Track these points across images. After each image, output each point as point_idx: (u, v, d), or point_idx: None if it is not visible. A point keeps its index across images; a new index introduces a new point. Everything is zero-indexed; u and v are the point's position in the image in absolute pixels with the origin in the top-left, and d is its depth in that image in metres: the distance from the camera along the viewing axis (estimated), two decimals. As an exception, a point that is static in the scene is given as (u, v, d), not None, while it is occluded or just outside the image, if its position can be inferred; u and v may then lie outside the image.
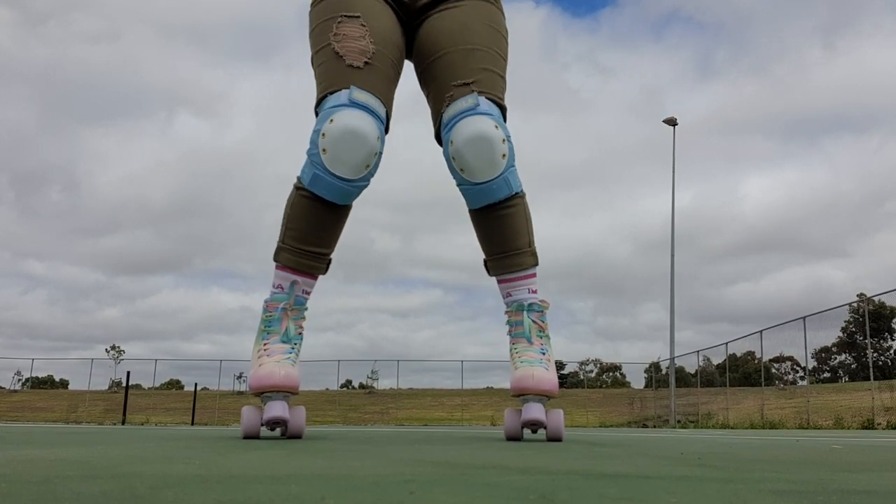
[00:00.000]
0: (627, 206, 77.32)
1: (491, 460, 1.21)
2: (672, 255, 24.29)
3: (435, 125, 2.06)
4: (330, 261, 2.07)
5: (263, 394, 1.91)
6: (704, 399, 24.23)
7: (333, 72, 1.92)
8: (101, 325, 66.40)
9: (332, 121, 1.85)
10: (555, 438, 2.01)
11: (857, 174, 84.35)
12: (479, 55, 2.00)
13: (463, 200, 2.10)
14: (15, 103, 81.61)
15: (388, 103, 1.97)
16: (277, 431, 2.01)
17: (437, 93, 2.03)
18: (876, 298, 19.48)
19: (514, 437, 2.05)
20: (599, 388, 42.33)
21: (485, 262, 2.13)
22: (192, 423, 23.84)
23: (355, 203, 2.07)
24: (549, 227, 77.64)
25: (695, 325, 65.42)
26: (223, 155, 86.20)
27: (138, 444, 1.69)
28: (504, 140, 1.93)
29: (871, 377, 15.46)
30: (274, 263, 2.02)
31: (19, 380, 40.21)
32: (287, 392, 1.91)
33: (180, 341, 68.69)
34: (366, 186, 1.96)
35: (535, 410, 1.97)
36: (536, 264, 2.09)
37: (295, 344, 1.97)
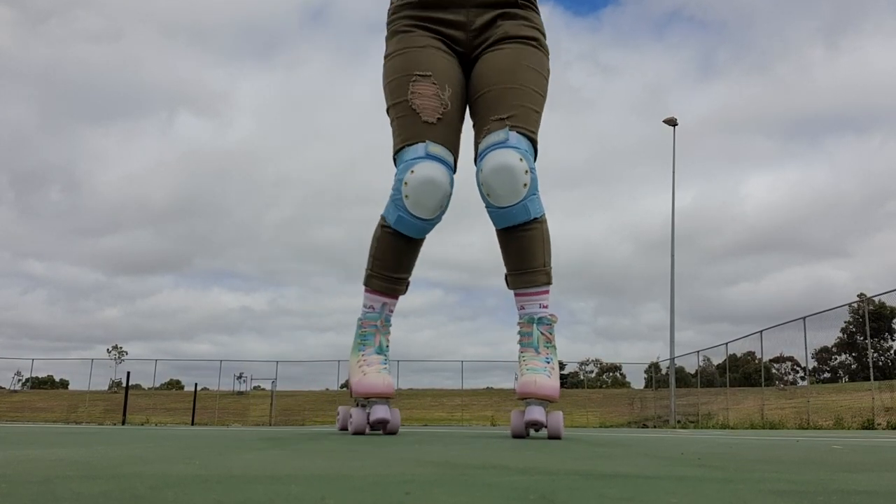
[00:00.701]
0: (629, 206, 77.25)
1: (491, 460, 1.21)
2: (672, 256, 24.28)
3: (474, 152, 2.30)
4: (409, 283, 2.39)
5: (370, 398, 2.23)
6: (704, 399, 24.21)
7: (411, 126, 2.20)
8: (101, 325, 66.42)
9: (412, 171, 2.16)
10: (554, 437, 2.22)
11: (859, 174, 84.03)
12: (518, 93, 2.23)
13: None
14: (15, 103, 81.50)
15: (455, 151, 2.26)
16: (378, 428, 2.32)
17: (479, 125, 2.28)
18: (876, 299, 19.47)
19: (519, 435, 2.25)
20: (599, 388, 42.31)
21: (505, 276, 2.36)
22: (193, 424, 23.84)
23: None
24: (550, 227, 77.60)
25: (696, 326, 65.37)
26: (224, 155, 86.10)
27: (138, 445, 1.69)
28: (527, 171, 2.16)
29: (872, 377, 15.45)
30: (364, 287, 2.34)
31: (19, 380, 40.23)
32: (387, 397, 2.23)
33: (180, 341, 68.70)
34: (438, 223, 2.28)
35: (536, 412, 2.19)
36: (549, 283, 2.32)
37: (386, 355, 2.31)
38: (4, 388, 39.67)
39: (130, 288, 73.84)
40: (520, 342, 2.32)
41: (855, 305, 20.58)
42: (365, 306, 2.34)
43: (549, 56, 2.37)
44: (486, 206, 2.25)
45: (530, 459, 1.24)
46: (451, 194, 2.23)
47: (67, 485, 0.77)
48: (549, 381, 2.21)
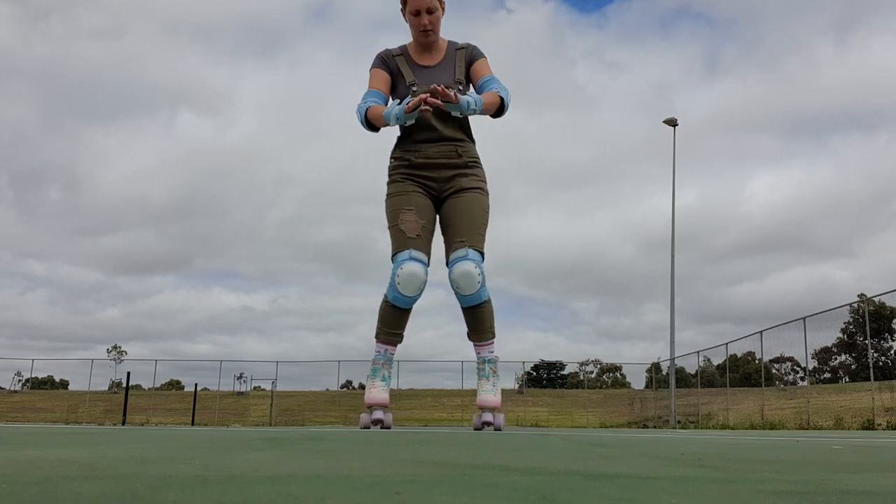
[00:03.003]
0: (632, 205, 76.70)
1: (491, 461, 1.21)
2: (672, 257, 24.26)
3: (446, 258, 3.58)
4: (403, 336, 3.66)
5: (372, 406, 3.58)
6: (705, 399, 24.22)
7: (400, 239, 3.48)
8: (101, 325, 66.28)
9: (402, 268, 3.43)
10: (497, 429, 3.65)
11: (864, 173, 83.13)
12: (470, 225, 3.55)
13: None
14: (15, 101, 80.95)
15: (428, 254, 3.53)
16: (379, 426, 3.57)
17: (448, 242, 3.58)
18: (876, 299, 19.45)
19: (477, 429, 3.68)
20: (600, 388, 42.33)
21: (467, 333, 3.72)
22: (193, 424, 23.86)
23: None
24: (552, 227, 77.50)
25: (698, 326, 65.18)
26: (225, 154, 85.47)
27: (138, 445, 1.69)
28: (479, 273, 3.49)
29: (872, 378, 15.45)
30: (375, 340, 3.63)
31: (19, 380, 40.27)
32: (383, 406, 3.60)
33: (181, 341, 68.62)
34: (419, 298, 3.53)
35: (487, 416, 3.67)
36: (493, 338, 3.72)
37: (387, 381, 3.67)
38: (4, 388, 39.71)
39: (131, 288, 73.64)
40: (478, 374, 3.76)
41: (855, 305, 20.59)
42: (376, 351, 3.65)
43: (489, 195, 3.67)
44: (455, 294, 3.57)
45: (531, 460, 1.24)
46: (426, 281, 3.49)
47: (67, 485, 0.77)
48: (494, 398, 3.66)
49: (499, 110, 3.48)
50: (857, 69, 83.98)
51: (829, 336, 20.82)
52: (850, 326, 29.94)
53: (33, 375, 41.09)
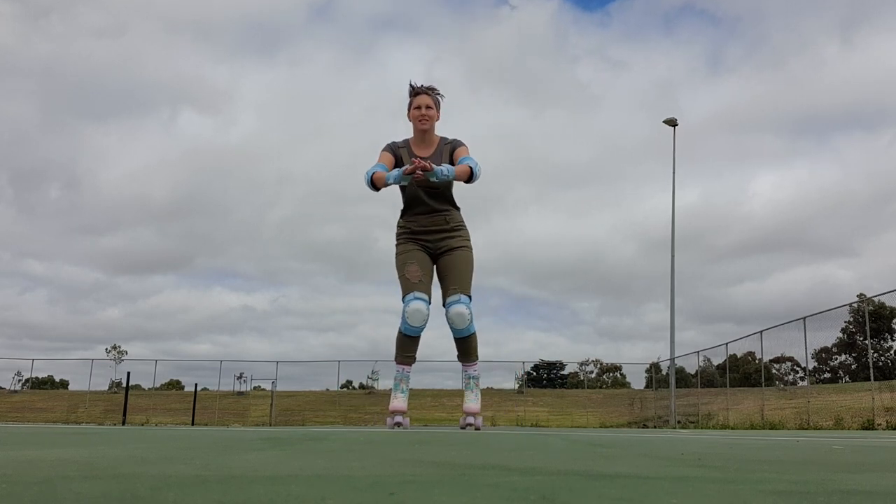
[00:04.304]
0: (633, 205, 76.12)
1: (491, 461, 1.21)
2: (672, 257, 24.24)
3: (443, 300, 4.65)
4: (415, 357, 4.73)
5: (394, 413, 4.60)
6: (705, 399, 24.22)
7: (407, 285, 4.58)
8: (101, 325, 65.94)
9: (409, 306, 4.52)
10: (476, 429, 4.64)
11: (866, 172, 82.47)
12: (461, 275, 4.66)
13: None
14: (15, 99, 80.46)
15: (429, 294, 4.63)
16: (398, 429, 4.45)
17: (444, 288, 4.67)
18: (876, 299, 19.45)
19: (462, 428, 4.71)
20: (600, 388, 42.30)
21: (457, 355, 4.78)
22: (193, 424, 23.86)
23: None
24: (553, 227, 77.39)
25: (699, 326, 64.76)
26: (226, 152, 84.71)
27: (139, 445, 1.69)
28: (469, 313, 4.59)
29: (872, 377, 15.45)
30: (395, 362, 4.70)
31: (19, 380, 40.23)
32: (402, 412, 4.61)
33: (181, 341, 68.39)
34: (424, 328, 4.62)
35: (468, 419, 4.75)
36: (477, 360, 4.79)
37: (405, 393, 4.68)
38: (4, 388, 39.66)
39: (131, 288, 73.14)
40: (464, 386, 4.81)
41: (855, 305, 20.59)
42: (396, 370, 4.70)
43: (472, 248, 4.78)
44: (450, 328, 4.62)
45: (530, 460, 1.24)
46: (428, 315, 4.58)
47: (68, 485, 0.77)
48: (475, 405, 4.76)
49: (469, 178, 4.43)
50: (860, 68, 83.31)
51: (829, 336, 20.83)
52: (850, 326, 29.94)
53: (33, 375, 41.05)
